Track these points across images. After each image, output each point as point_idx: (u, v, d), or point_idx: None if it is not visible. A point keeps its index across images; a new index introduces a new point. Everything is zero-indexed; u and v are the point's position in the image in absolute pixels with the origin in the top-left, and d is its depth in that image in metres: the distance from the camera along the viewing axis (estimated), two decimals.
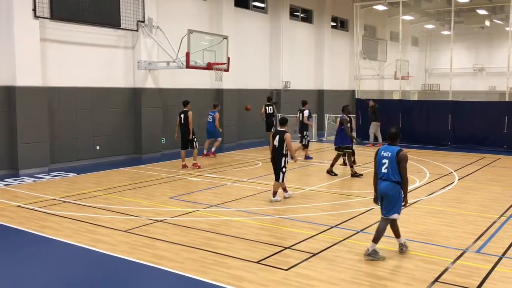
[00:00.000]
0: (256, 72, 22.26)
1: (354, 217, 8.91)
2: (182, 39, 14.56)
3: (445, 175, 13.25)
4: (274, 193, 10.16)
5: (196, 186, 11.65)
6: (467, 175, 13.33)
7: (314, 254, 6.89)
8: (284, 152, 9.97)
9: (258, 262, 6.58)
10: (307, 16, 26.11)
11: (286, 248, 7.16)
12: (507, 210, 9.48)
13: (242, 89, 20.81)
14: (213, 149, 16.46)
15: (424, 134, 19.88)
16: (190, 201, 10.14)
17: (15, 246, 7.49)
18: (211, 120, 16.08)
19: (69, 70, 14.52)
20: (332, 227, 8.23)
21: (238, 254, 6.90)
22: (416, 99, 32.56)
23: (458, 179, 12.70)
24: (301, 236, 7.70)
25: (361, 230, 8.06)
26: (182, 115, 13.96)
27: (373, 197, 7.06)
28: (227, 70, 15.90)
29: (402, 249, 6.90)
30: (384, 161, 6.67)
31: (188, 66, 14.57)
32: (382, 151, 6.74)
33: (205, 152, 16.44)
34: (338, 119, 13.55)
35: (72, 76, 14.59)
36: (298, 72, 24.69)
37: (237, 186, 11.70)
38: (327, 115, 24.08)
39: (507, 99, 19.49)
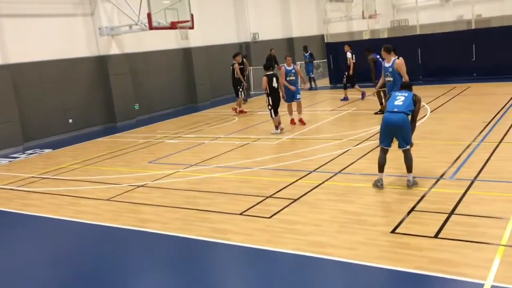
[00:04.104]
0: (222, 26, 21.81)
1: (332, 159, 9.09)
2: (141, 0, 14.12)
3: None
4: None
5: (174, 148, 11.66)
6: (438, 107, 13.58)
7: (295, 200, 7.06)
8: None
9: (241, 214, 6.72)
10: None
11: (267, 197, 7.31)
12: (478, 135, 9.75)
13: (210, 45, 20.46)
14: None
15: None
16: (170, 163, 10.18)
17: None
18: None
19: (29, 45, 14.05)
20: (311, 172, 8.40)
21: (221, 209, 7.04)
22: (386, 36, 32.44)
23: (430, 111, 12.94)
24: (282, 184, 7.85)
25: (339, 172, 8.25)
26: (231, 67, 16.17)
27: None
28: (192, 27, 15.54)
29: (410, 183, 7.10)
30: (399, 97, 7.11)
31: (151, 27, 14.19)
32: (397, 92, 7.31)
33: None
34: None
35: (32, 50, 14.13)
36: (265, 22, 24.26)
37: (214, 144, 11.75)
38: (299, 63, 23.89)
39: (473, 27, 19.60)
